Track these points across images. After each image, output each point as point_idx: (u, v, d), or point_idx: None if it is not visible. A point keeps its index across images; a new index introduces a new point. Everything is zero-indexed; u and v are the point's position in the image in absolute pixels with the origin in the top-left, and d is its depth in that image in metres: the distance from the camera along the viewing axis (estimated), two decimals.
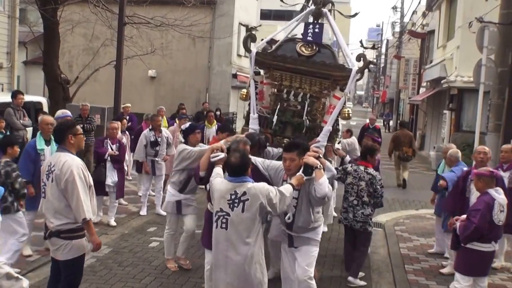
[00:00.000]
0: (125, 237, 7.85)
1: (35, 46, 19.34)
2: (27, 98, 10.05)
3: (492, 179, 5.32)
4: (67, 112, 8.69)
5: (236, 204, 4.12)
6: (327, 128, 6.27)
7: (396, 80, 37.72)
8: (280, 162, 4.97)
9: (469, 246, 5.27)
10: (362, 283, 6.45)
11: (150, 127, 9.48)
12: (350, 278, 6.44)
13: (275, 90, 6.62)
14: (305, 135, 6.31)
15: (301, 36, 6.99)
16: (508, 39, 10.26)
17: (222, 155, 4.71)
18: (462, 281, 5.36)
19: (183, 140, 6.61)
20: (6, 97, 10.54)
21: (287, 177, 4.84)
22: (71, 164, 4.29)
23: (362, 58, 6.30)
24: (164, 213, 7.40)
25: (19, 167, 6.74)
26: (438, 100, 21.89)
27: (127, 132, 11.46)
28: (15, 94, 9.91)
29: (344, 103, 6.44)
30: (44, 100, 11.78)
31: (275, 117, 6.45)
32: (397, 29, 41.38)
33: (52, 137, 6.89)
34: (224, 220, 4.15)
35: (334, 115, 6.35)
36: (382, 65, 60.62)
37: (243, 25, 6.66)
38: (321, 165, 4.67)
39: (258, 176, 4.85)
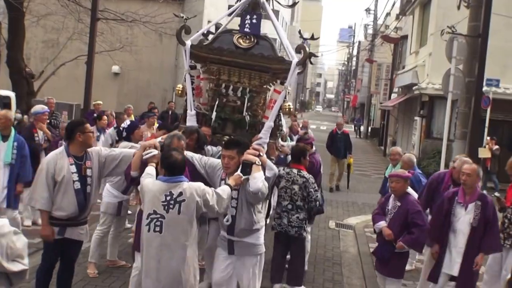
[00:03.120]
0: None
1: None
2: None
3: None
4: (45, 108, 9.17)
5: (171, 206, 4.13)
6: (269, 124, 6.25)
7: (368, 84, 38.27)
8: (219, 160, 5.06)
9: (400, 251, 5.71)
10: None
11: (115, 126, 9.89)
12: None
13: (213, 85, 6.61)
14: (247, 132, 6.37)
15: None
16: (475, 51, 11.43)
17: (155, 152, 4.67)
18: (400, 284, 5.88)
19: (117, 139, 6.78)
20: None
21: (226, 175, 4.90)
22: (44, 158, 5.20)
23: (302, 50, 6.33)
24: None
25: None
26: (410, 106, 22.90)
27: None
28: None
29: (285, 97, 6.46)
30: (12, 95, 12.28)
31: (214, 113, 6.42)
32: (370, 31, 42.49)
33: (12, 134, 7.03)
34: (158, 223, 4.14)
35: (275, 110, 6.36)
36: (353, 67, 62.11)
37: (181, 17, 6.90)
38: (259, 162, 4.77)
39: (194, 173, 4.89)
